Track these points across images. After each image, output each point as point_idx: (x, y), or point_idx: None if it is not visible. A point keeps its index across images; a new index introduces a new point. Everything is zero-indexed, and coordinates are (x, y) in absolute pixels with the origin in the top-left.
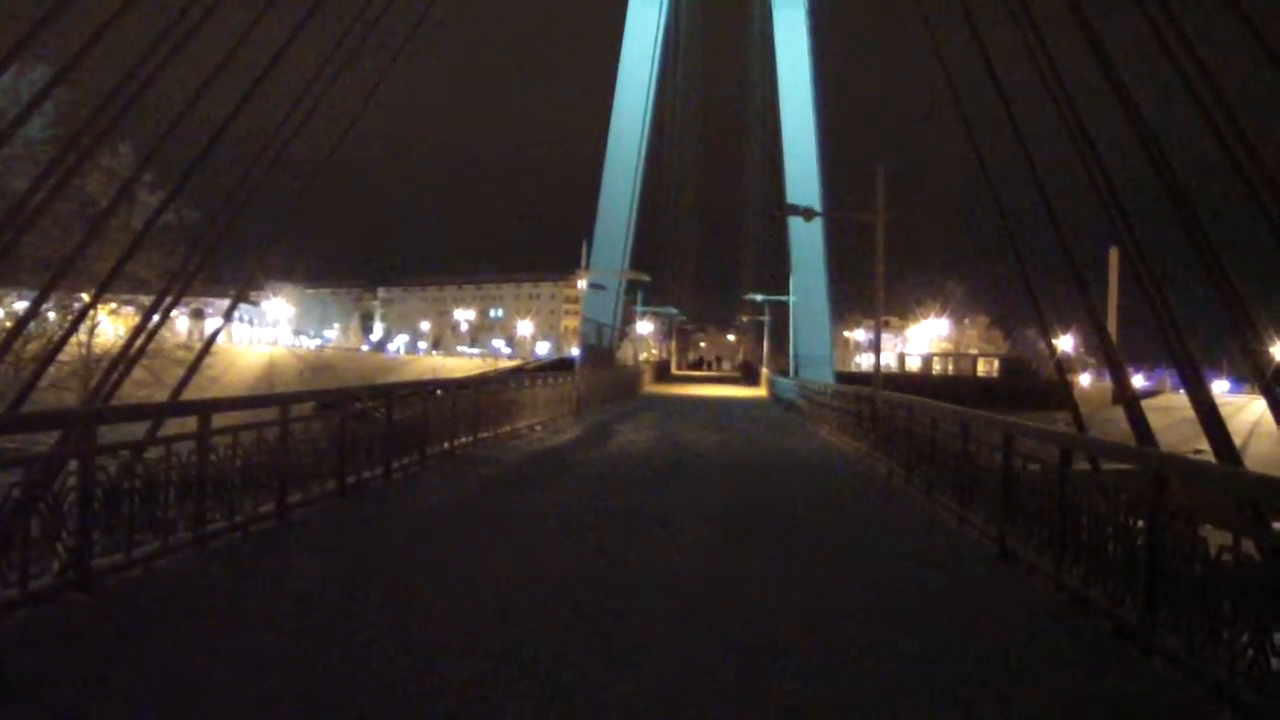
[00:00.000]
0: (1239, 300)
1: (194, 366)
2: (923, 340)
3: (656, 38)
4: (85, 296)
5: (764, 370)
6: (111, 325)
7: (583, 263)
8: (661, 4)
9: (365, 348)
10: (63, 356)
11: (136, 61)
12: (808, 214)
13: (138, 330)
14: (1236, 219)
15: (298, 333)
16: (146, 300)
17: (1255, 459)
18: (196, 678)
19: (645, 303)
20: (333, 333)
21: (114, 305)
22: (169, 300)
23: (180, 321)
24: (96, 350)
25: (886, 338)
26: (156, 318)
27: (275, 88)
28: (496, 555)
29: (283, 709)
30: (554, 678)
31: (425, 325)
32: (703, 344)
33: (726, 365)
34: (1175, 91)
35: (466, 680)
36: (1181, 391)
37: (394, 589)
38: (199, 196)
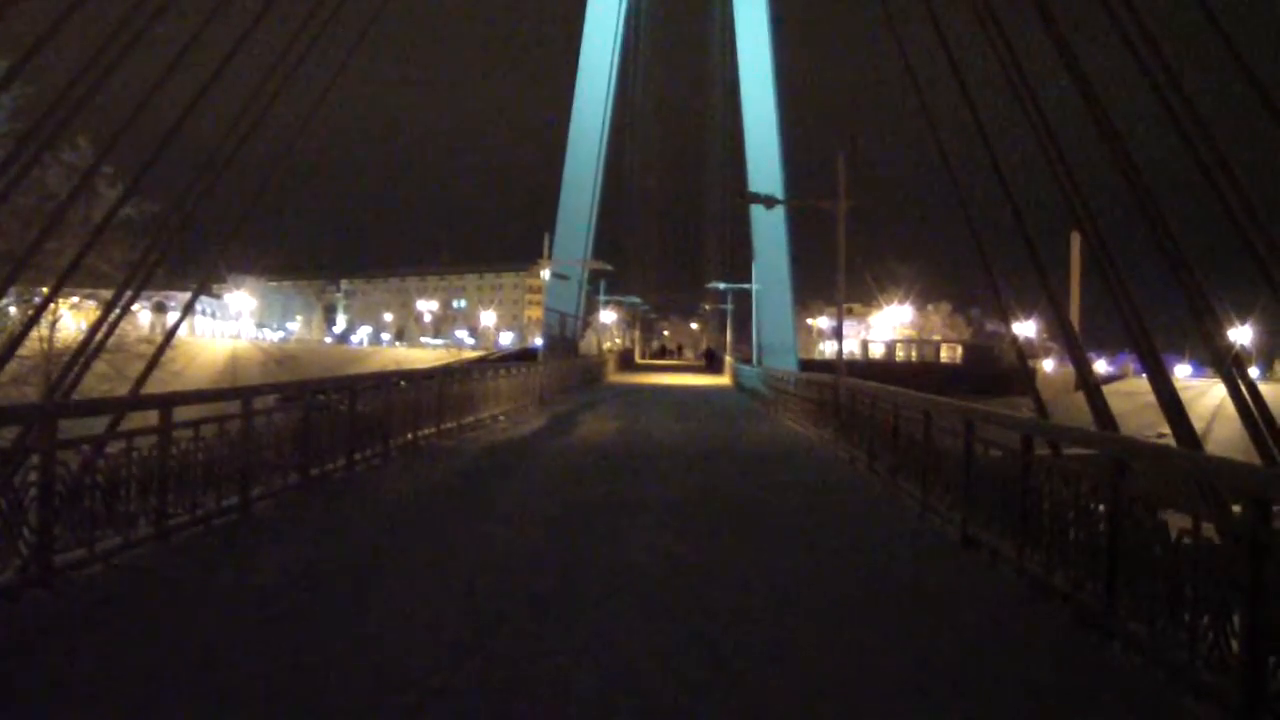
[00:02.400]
0: (1198, 286)
1: (155, 360)
2: (886, 327)
3: (618, 27)
4: (45, 290)
5: (728, 358)
6: (73, 319)
7: (545, 253)
8: None
9: (328, 340)
10: (23, 351)
11: (94, 54)
12: (769, 202)
13: (99, 324)
14: (1196, 205)
15: (260, 325)
16: (108, 294)
17: (1217, 443)
18: (159, 672)
19: (608, 292)
20: (296, 325)
21: (75, 299)
22: (130, 294)
23: (142, 315)
24: (58, 344)
25: (850, 325)
26: (117, 311)
27: (234, 80)
28: (460, 547)
29: (245, 702)
30: (516, 668)
31: (388, 317)
32: (666, 332)
33: (690, 354)
34: (1135, 79)
35: (429, 671)
36: (1143, 376)
37: (357, 581)
38: (159, 190)
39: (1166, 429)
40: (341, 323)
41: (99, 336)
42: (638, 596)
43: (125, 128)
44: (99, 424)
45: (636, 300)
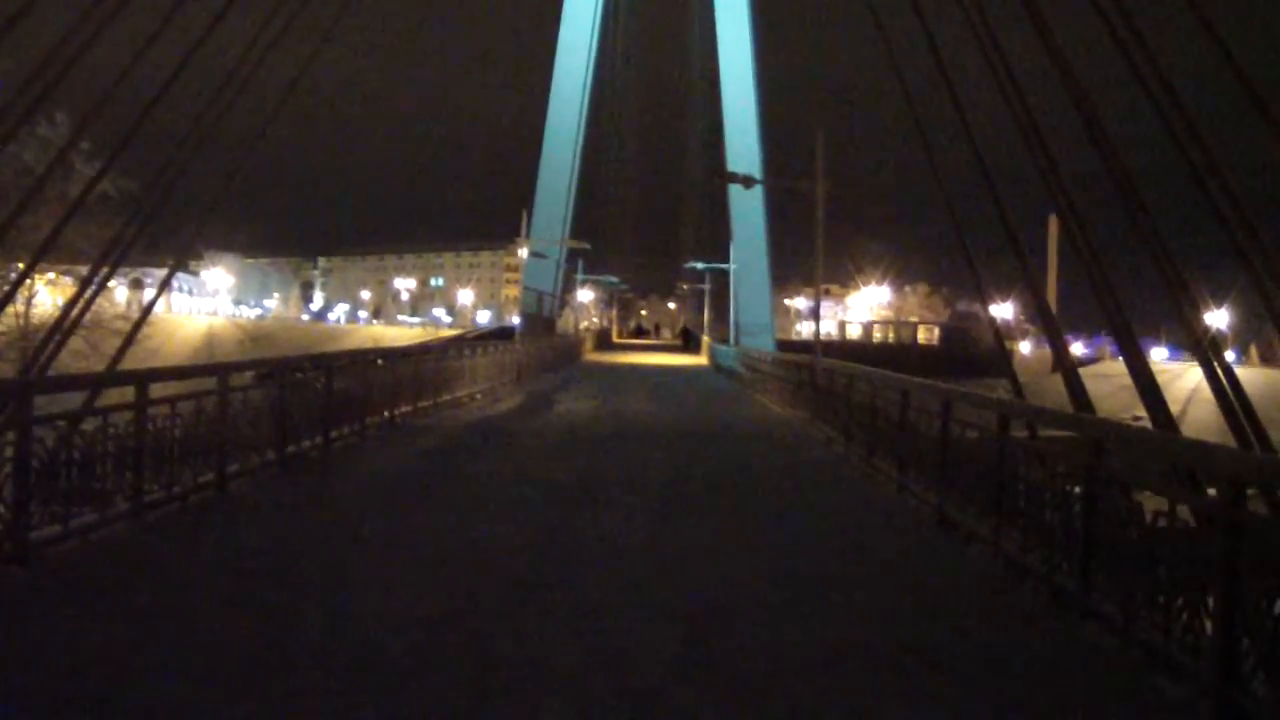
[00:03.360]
0: (1176, 269)
1: (131, 336)
2: (863, 308)
3: (597, 6)
4: (21, 266)
5: (705, 338)
6: (49, 295)
7: (523, 231)
8: None
9: (305, 317)
10: None
11: (72, 27)
12: (747, 182)
13: (75, 300)
14: (1174, 188)
15: (237, 302)
16: (85, 270)
17: (1193, 425)
18: (134, 650)
19: (586, 271)
20: (273, 302)
21: (52, 275)
22: (106, 270)
23: (119, 291)
24: (34, 320)
25: (827, 305)
26: (94, 287)
27: (213, 55)
28: (436, 526)
29: (222, 678)
30: (494, 647)
31: (366, 294)
32: (644, 312)
33: (667, 333)
34: (1114, 62)
35: (405, 650)
36: (1120, 359)
37: (333, 559)
38: (136, 166)
39: (1143, 411)
40: (319, 300)
41: (75, 312)
42: (615, 574)
43: (103, 102)
44: (75, 400)
45: (614, 279)
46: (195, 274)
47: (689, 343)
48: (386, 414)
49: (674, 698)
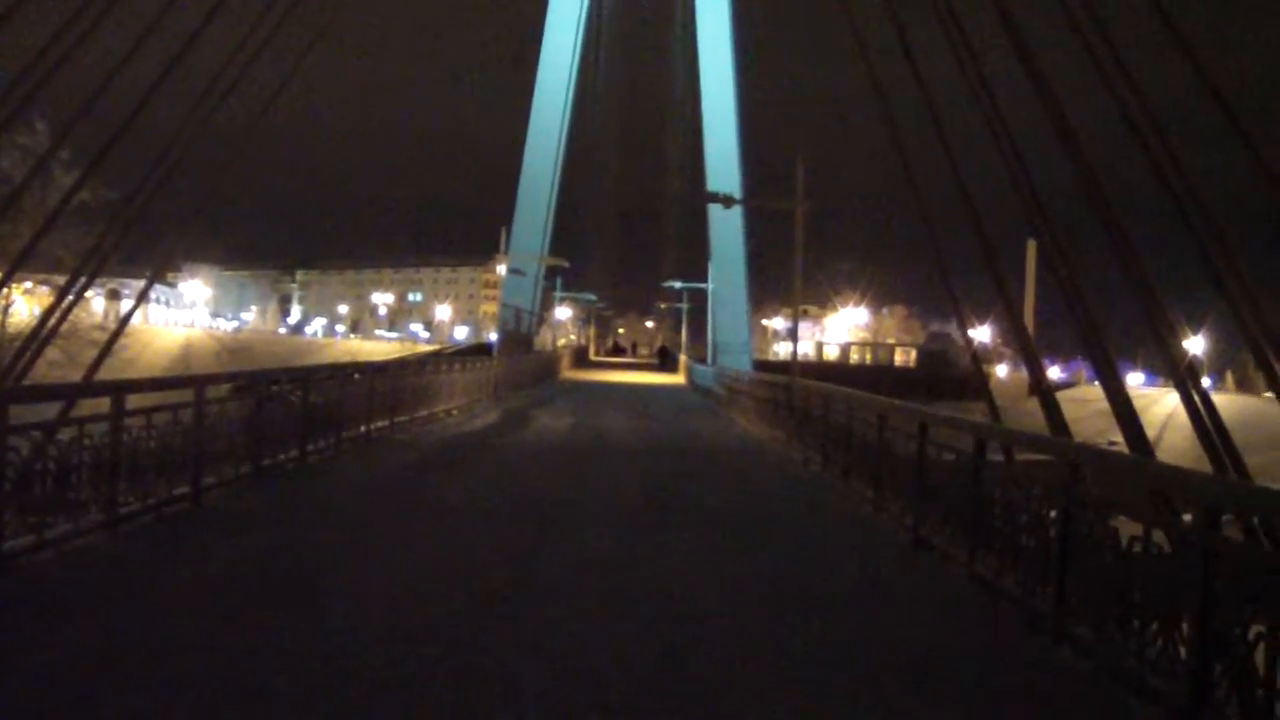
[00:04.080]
0: (1153, 295)
1: (108, 347)
2: (841, 329)
3: (579, 24)
4: None
5: (682, 357)
6: (26, 305)
7: (502, 248)
8: None
9: (283, 330)
10: None
11: (52, 37)
12: (727, 201)
13: (52, 309)
14: (1152, 214)
15: (215, 315)
16: (62, 280)
17: (1169, 450)
18: (109, 659)
19: (564, 288)
20: (250, 315)
21: (29, 284)
22: (84, 280)
23: (96, 302)
24: (10, 330)
25: (805, 326)
26: (71, 297)
27: (194, 67)
28: (411, 540)
29: (195, 690)
30: (470, 660)
31: (343, 309)
32: (621, 330)
33: (645, 352)
34: (1095, 89)
35: (382, 663)
36: (1096, 383)
37: (308, 572)
38: (116, 176)
39: (1119, 436)
40: (296, 314)
41: (52, 322)
42: (589, 592)
43: (83, 112)
44: (50, 410)
45: (592, 297)
46: (173, 285)
47: (666, 361)
48: (363, 428)
49: (645, 712)
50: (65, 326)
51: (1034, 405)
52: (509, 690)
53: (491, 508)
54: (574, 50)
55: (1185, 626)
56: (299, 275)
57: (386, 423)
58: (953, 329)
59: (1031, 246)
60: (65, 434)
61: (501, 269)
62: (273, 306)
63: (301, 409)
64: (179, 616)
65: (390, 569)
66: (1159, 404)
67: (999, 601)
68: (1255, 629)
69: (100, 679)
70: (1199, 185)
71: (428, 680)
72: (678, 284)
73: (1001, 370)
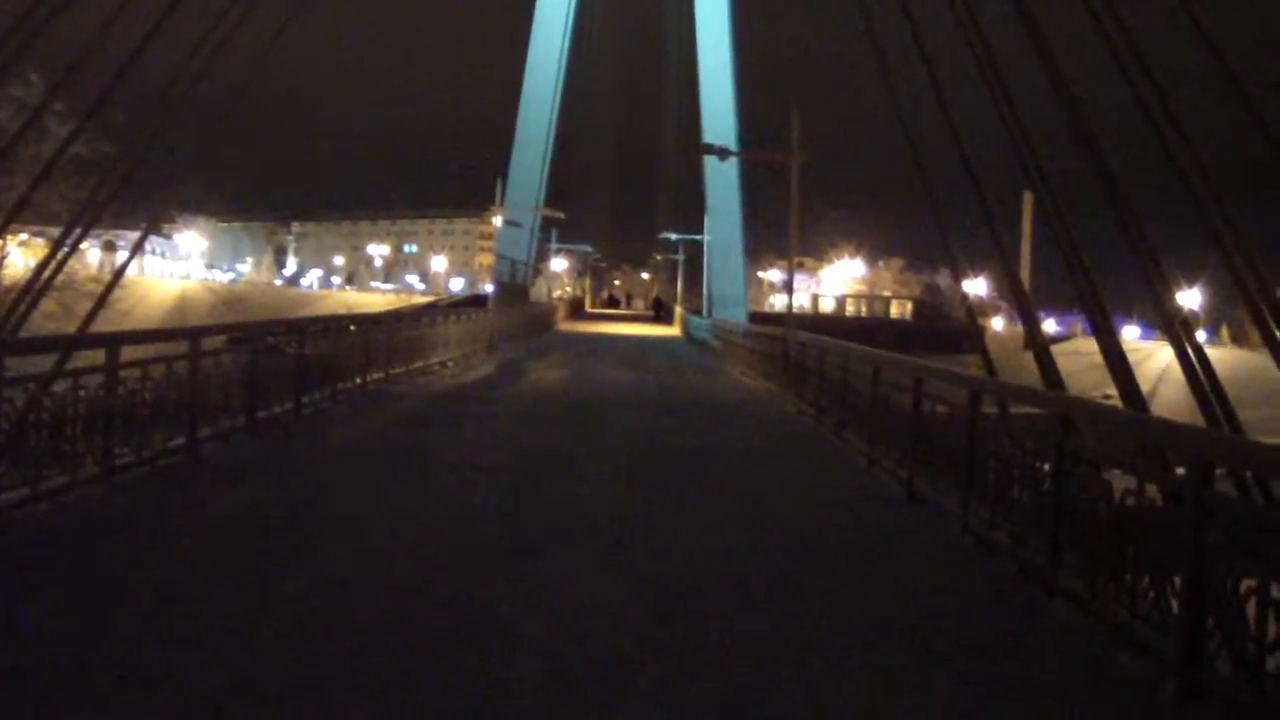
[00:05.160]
0: (1149, 248)
1: (103, 299)
2: (837, 282)
3: None
4: None
5: (678, 309)
6: (21, 256)
7: (497, 199)
8: None
9: (279, 282)
10: None
11: None
12: (723, 154)
13: (47, 261)
14: (1149, 167)
15: (210, 266)
16: (57, 231)
17: (1162, 405)
18: (105, 612)
19: (560, 240)
20: (246, 267)
21: (24, 236)
22: (79, 231)
23: (91, 254)
24: (5, 281)
25: (801, 279)
26: (66, 249)
27: (188, 15)
28: (407, 492)
29: (193, 641)
30: (465, 615)
31: (339, 260)
32: (617, 282)
33: (640, 304)
34: (1090, 39)
35: (376, 616)
36: (1092, 337)
37: (304, 524)
38: (111, 128)
39: (1113, 390)
40: (292, 265)
41: (47, 274)
42: (587, 545)
43: (77, 63)
44: (45, 362)
45: (588, 249)
46: (168, 237)
47: (660, 313)
48: (359, 380)
49: (642, 667)
50: (61, 278)
51: (1030, 359)
52: (506, 647)
53: (486, 461)
54: (570, 1)
55: (1178, 581)
56: (294, 227)
57: (382, 374)
58: (949, 282)
59: (1028, 198)
60: (60, 386)
61: (497, 220)
62: (268, 258)
63: (297, 361)
64: (174, 569)
65: (385, 522)
66: (1154, 358)
67: (993, 555)
68: (1246, 583)
69: (95, 632)
70: (1196, 137)
71: (422, 636)
72: (674, 236)
73: (998, 323)
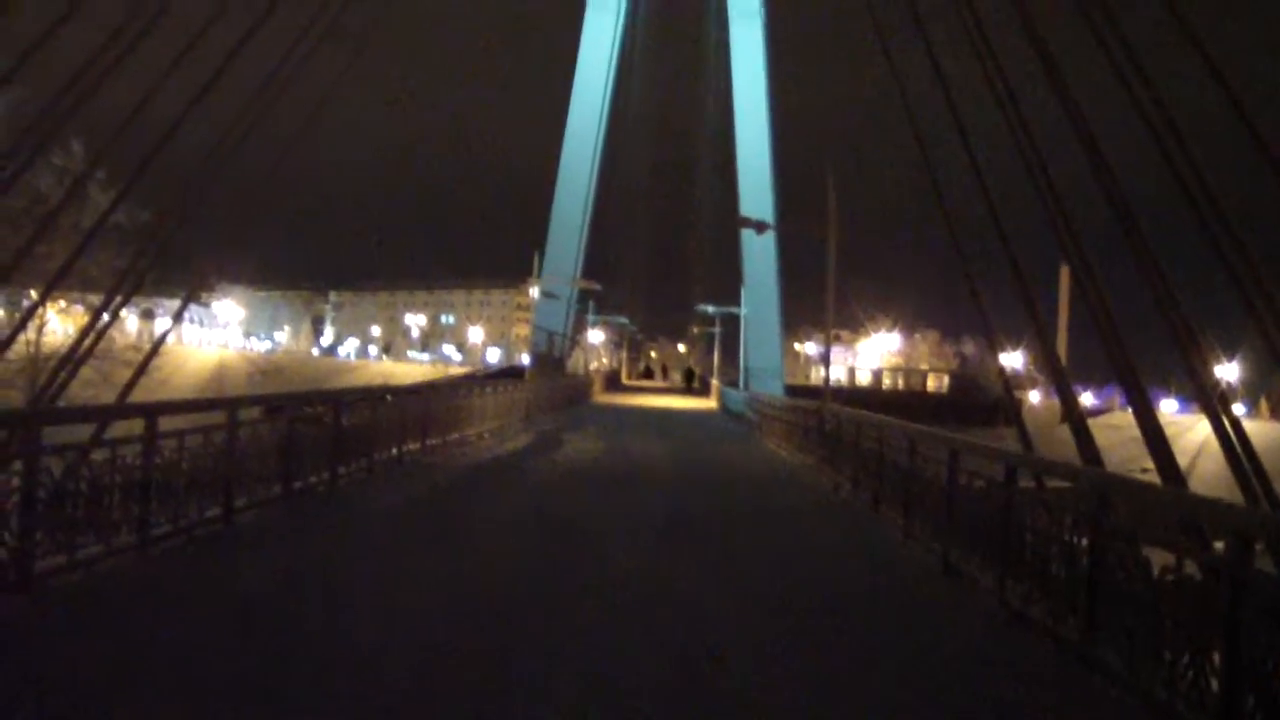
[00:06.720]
0: (1185, 321)
1: (142, 368)
2: (873, 354)
3: (613, 48)
4: (34, 294)
5: (714, 381)
6: (60, 324)
7: (535, 270)
8: (618, 14)
9: (316, 351)
10: (10, 354)
11: (90, 58)
12: (760, 227)
13: (86, 329)
14: (1185, 240)
15: (248, 335)
16: (96, 299)
17: (1201, 480)
18: (138, 679)
19: (597, 311)
20: (283, 335)
21: (63, 303)
22: (119, 299)
23: (130, 321)
24: (45, 349)
25: (837, 351)
26: (106, 317)
27: (229, 88)
28: (440, 562)
29: (224, 709)
30: (495, 678)
31: (376, 330)
32: (653, 353)
33: (676, 376)
34: (1127, 113)
35: (408, 681)
36: (1129, 410)
37: (337, 594)
38: (151, 196)
39: (1151, 464)
40: (329, 334)
41: (86, 342)
42: (616, 616)
43: (119, 133)
44: (84, 431)
45: (625, 320)
46: (206, 305)
47: (691, 383)
48: (395, 451)
49: None
50: (100, 346)
51: (1066, 432)
52: (533, 712)
53: (520, 531)
54: (608, 74)
55: (1216, 657)
56: (332, 296)
57: (418, 445)
58: (986, 355)
59: (1065, 272)
60: (98, 455)
61: (534, 291)
62: (306, 327)
63: (333, 431)
64: (208, 636)
65: (419, 591)
66: (1192, 431)
67: (1029, 629)
68: None
69: (129, 696)
70: (1231, 210)
71: (451, 699)
72: (710, 308)
73: (1034, 396)
